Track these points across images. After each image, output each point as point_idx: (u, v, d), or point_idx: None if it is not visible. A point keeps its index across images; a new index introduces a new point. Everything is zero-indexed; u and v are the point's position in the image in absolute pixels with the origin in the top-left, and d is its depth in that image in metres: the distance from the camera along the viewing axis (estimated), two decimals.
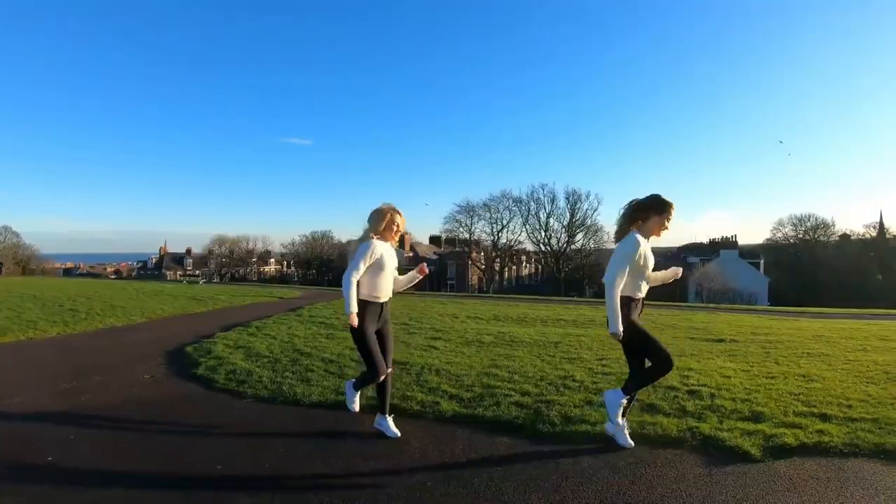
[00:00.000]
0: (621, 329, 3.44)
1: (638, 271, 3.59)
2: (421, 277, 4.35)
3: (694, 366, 6.42)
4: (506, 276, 65.16)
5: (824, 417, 4.22)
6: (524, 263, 71.39)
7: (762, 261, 51.20)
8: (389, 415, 4.04)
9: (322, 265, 72.44)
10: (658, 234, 3.64)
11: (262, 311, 13.28)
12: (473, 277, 61.81)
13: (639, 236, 3.57)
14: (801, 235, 56.06)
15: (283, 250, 79.66)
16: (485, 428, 4.17)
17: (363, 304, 3.78)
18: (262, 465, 3.48)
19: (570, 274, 59.50)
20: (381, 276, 3.84)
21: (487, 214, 60.25)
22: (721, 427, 4.02)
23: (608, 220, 58.31)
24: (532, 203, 59.48)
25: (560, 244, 59.02)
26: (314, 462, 3.54)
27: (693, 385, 5.33)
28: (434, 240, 71.97)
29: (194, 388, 5.52)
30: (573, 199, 58.29)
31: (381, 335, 3.94)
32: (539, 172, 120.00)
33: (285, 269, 79.88)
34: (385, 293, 3.90)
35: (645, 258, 3.58)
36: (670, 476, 3.24)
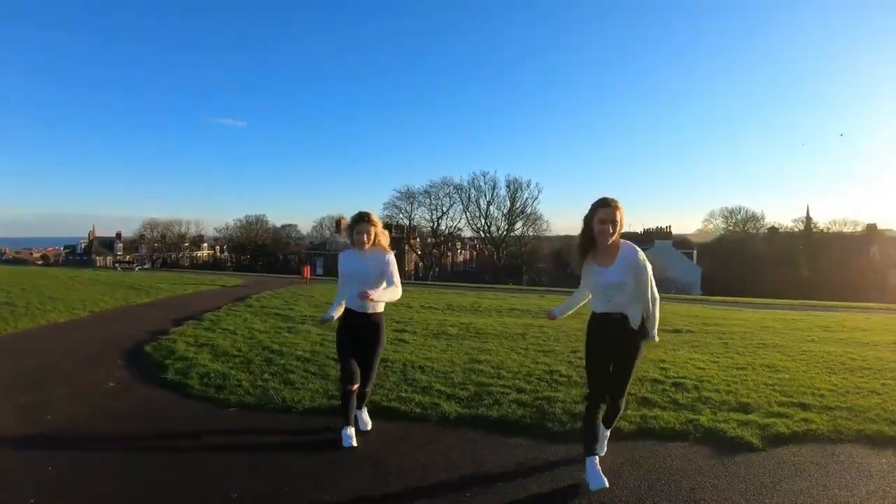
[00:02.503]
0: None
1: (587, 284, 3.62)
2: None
3: (665, 357, 6.94)
4: (442, 262, 66.52)
5: (804, 407, 4.76)
6: (459, 250, 73.19)
7: (695, 251, 54.59)
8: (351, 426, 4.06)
9: (256, 250, 72.62)
10: (602, 237, 3.39)
11: (208, 301, 13.12)
12: (410, 264, 63.01)
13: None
14: (731, 227, 60.37)
15: (217, 234, 79.76)
16: (495, 429, 4.32)
17: (344, 312, 4.16)
18: (282, 490, 3.28)
19: (508, 261, 61.47)
20: (349, 286, 4.06)
21: (427, 201, 62.99)
22: (717, 419, 4.44)
23: (548, 208, 60.76)
24: (473, 190, 62.37)
25: (500, 232, 61.76)
26: (339, 481, 3.39)
27: (674, 377, 5.80)
28: None
29: (168, 396, 5.27)
30: (514, 188, 61.37)
31: (360, 347, 4.07)
32: (483, 161, 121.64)
33: (218, 254, 79.72)
34: (354, 303, 4.08)
35: (586, 272, 3.57)
36: (689, 469, 3.59)
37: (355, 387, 3.96)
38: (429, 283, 34.59)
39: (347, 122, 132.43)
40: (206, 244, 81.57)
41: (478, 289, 23.46)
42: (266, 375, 5.87)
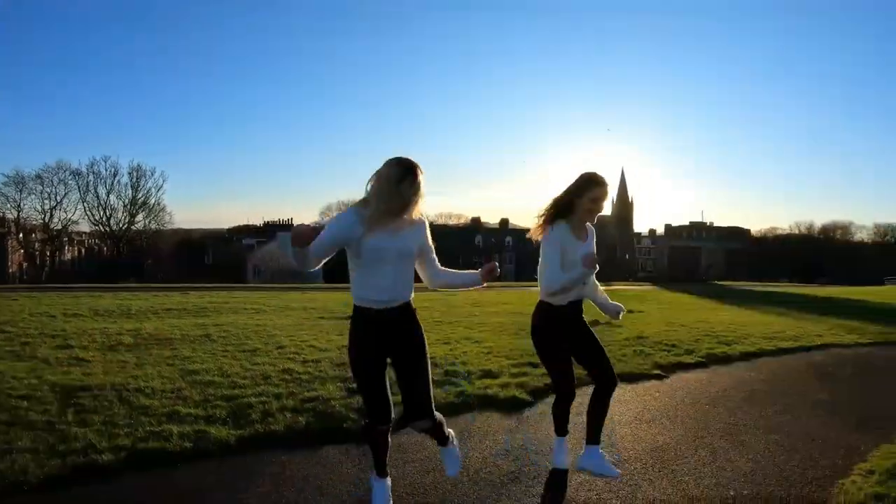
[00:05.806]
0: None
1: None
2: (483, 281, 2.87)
3: None
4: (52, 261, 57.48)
5: (533, 365, 5.66)
6: (66, 247, 64.10)
7: None
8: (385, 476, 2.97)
9: None
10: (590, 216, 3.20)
11: None
12: (14, 265, 53.75)
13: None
14: None
15: None
16: (293, 446, 3.77)
17: (354, 311, 2.72)
18: None
19: (130, 257, 57.32)
20: (375, 272, 2.61)
21: (40, 188, 54.28)
22: (478, 386, 4.99)
23: (172, 199, 57.91)
24: (92, 176, 55.84)
25: (121, 225, 57.19)
26: None
27: None
28: None
29: None
30: (136, 176, 57.02)
31: (395, 359, 2.75)
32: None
33: None
34: (381, 293, 2.62)
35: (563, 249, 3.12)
36: (496, 430, 4.01)
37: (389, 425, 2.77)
38: (45, 285, 28.03)
39: None
40: None
41: (116, 289, 20.00)
42: None
